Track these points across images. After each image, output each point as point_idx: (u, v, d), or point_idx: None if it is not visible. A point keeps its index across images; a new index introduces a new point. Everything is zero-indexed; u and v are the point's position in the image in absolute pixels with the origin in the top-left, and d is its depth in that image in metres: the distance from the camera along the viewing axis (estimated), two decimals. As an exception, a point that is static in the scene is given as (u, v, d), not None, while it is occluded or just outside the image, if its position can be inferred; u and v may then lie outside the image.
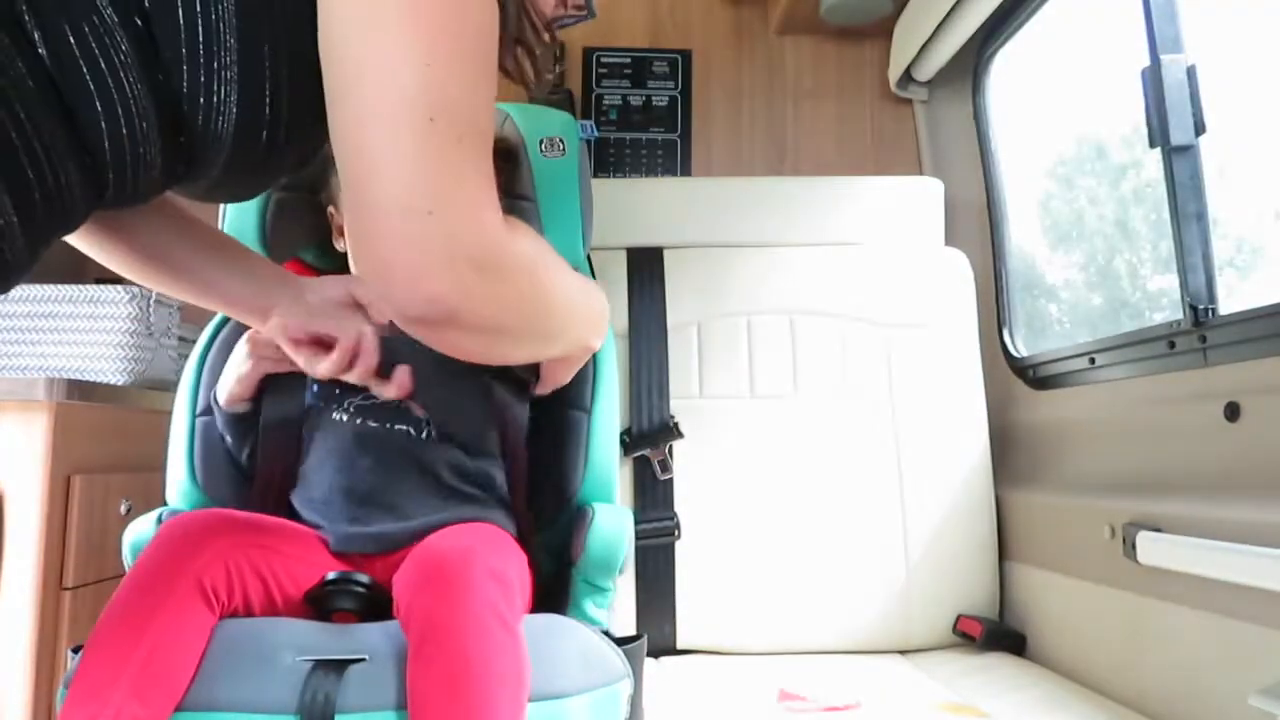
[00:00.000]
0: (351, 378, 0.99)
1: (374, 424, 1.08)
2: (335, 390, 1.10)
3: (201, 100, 0.63)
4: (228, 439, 1.14)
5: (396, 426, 1.08)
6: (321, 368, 0.98)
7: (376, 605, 0.93)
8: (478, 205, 0.65)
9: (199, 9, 0.61)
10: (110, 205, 0.68)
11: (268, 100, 0.65)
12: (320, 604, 0.94)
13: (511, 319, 0.73)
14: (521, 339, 0.78)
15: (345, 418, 1.09)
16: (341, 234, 1.17)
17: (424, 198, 0.61)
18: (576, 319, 0.89)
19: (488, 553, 0.90)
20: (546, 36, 0.81)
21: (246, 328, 1.25)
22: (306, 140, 0.72)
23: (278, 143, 0.68)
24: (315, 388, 1.12)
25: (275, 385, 1.11)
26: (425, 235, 0.62)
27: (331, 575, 0.95)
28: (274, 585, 0.92)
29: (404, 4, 0.62)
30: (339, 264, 1.19)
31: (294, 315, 1.00)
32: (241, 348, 1.10)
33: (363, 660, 0.83)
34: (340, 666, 0.83)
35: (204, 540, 0.89)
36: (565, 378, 1.15)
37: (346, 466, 1.06)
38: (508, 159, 1.24)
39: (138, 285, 1.69)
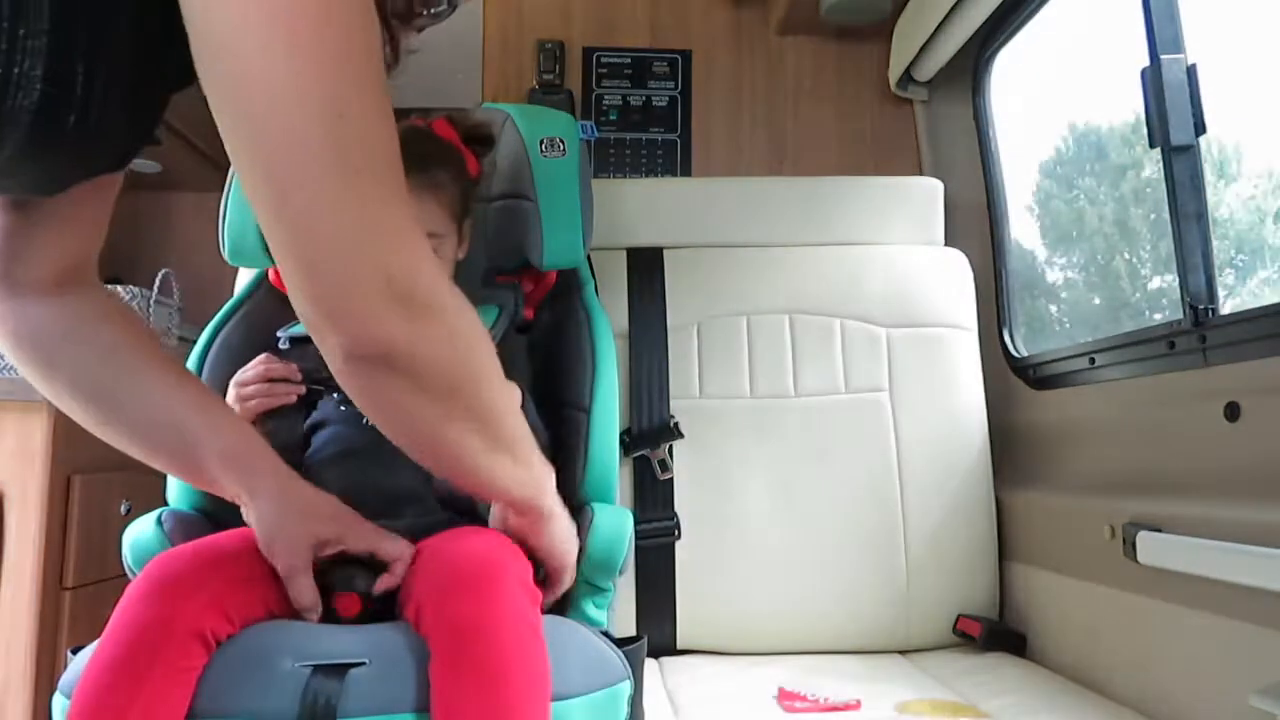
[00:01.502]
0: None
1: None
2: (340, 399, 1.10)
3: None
4: None
5: None
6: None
7: (380, 584, 0.91)
8: (421, 253, 0.67)
9: None
10: None
11: (79, 81, 0.60)
12: (325, 581, 0.91)
13: (443, 369, 0.72)
14: (454, 405, 0.75)
15: (355, 426, 1.09)
16: None
17: (368, 248, 0.63)
18: (525, 452, 0.86)
19: (513, 560, 0.90)
20: (419, 9, 0.78)
21: (246, 328, 1.26)
22: (123, 136, 0.69)
23: (87, 131, 0.63)
24: (336, 395, 1.11)
25: (272, 414, 1.11)
26: (373, 281, 0.64)
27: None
28: (278, 609, 0.89)
29: (307, 41, 0.60)
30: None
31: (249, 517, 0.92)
32: (230, 392, 1.11)
33: (363, 664, 0.83)
34: (340, 670, 0.82)
35: (194, 586, 0.83)
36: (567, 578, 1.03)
37: (356, 470, 1.06)
38: (484, 143, 1.25)
39: (137, 285, 1.70)
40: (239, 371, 1.13)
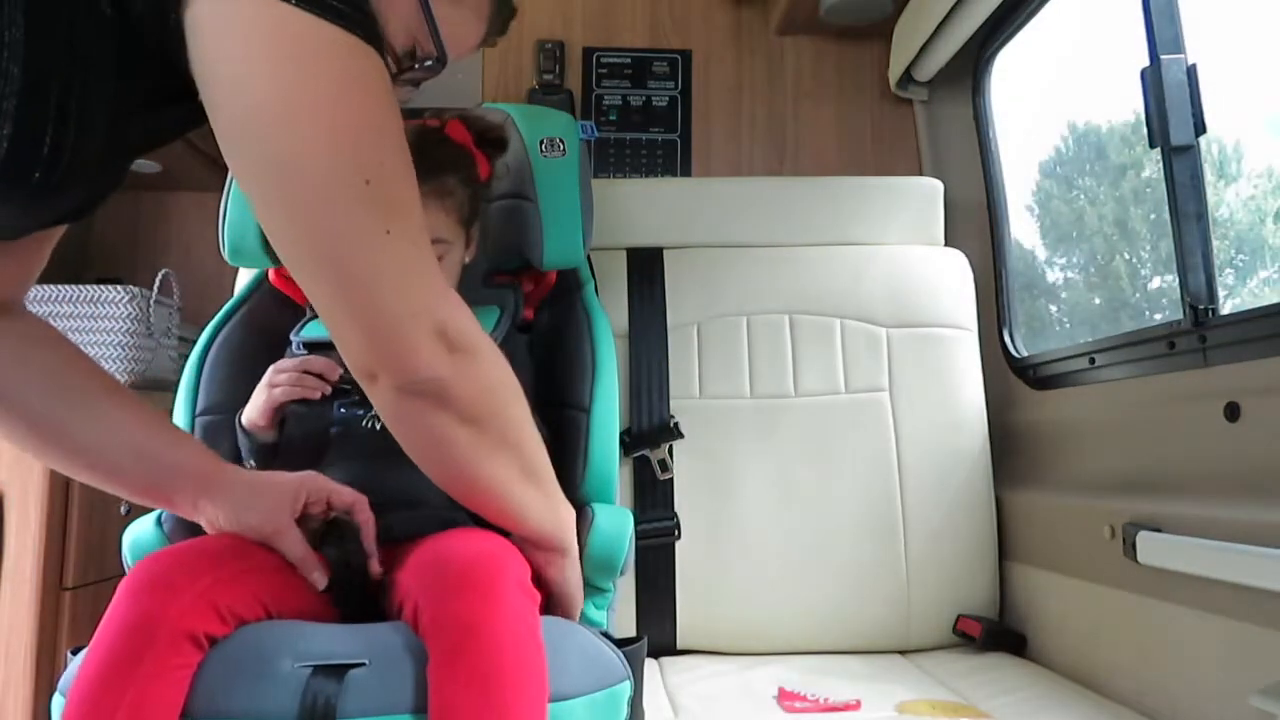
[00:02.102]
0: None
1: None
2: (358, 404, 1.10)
3: None
4: (251, 463, 1.13)
5: None
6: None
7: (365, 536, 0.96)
8: (450, 298, 0.76)
9: None
10: None
11: (48, 141, 0.62)
12: (328, 540, 0.94)
13: (484, 403, 0.80)
14: (500, 444, 0.84)
15: (369, 427, 1.09)
16: None
17: (411, 302, 0.71)
18: (551, 490, 0.94)
19: (511, 560, 0.90)
20: (392, 70, 0.79)
21: (246, 328, 1.26)
22: (88, 187, 0.70)
23: (50, 185, 0.64)
24: (340, 408, 1.11)
25: (299, 406, 1.11)
26: (422, 330, 0.72)
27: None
28: (273, 605, 0.89)
29: (329, 114, 0.65)
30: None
31: (222, 520, 0.93)
32: (265, 377, 1.11)
33: (362, 665, 0.83)
34: (340, 671, 0.82)
35: (182, 584, 0.82)
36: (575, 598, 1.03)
37: (367, 471, 1.05)
38: (497, 146, 1.24)
39: (137, 285, 1.70)
40: (280, 360, 1.13)
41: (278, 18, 0.61)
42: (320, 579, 0.94)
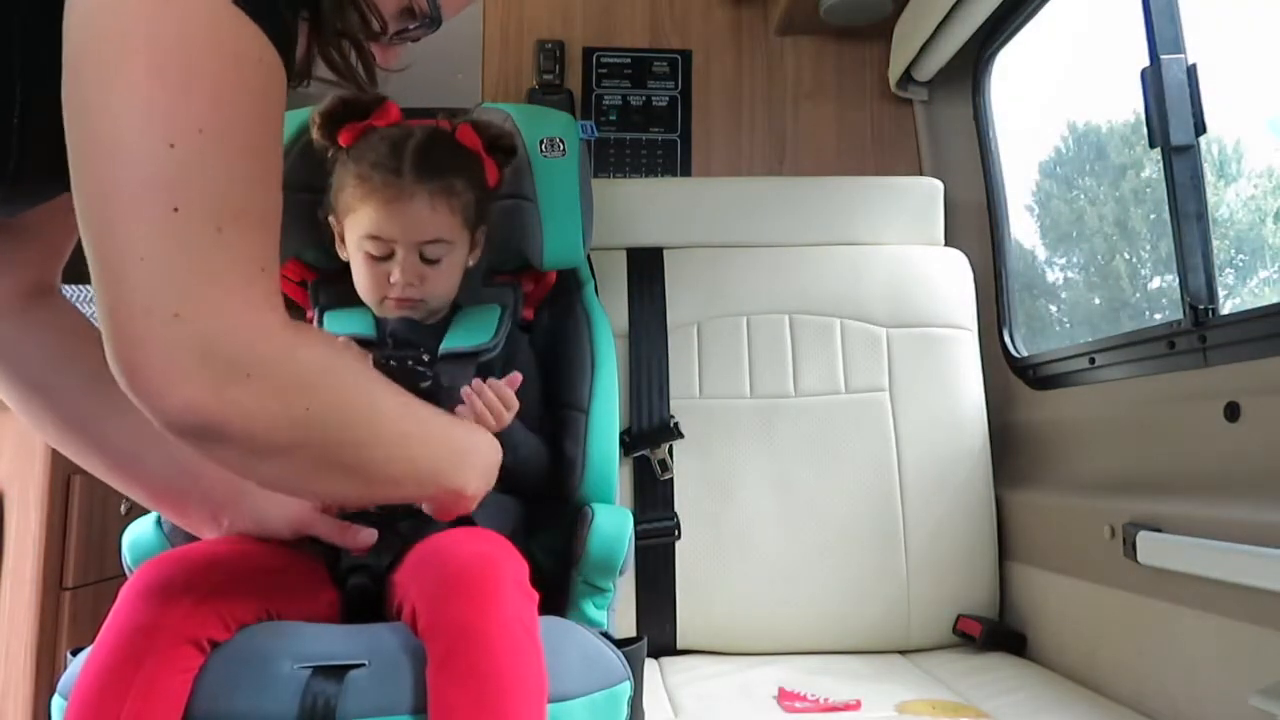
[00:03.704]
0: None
1: None
2: None
3: None
4: None
5: None
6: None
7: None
8: (240, 305, 0.59)
9: None
10: None
11: (14, 130, 0.60)
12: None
13: (301, 438, 0.64)
14: (324, 468, 0.69)
15: None
16: (343, 240, 1.16)
17: (168, 299, 0.56)
18: (419, 452, 0.78)
19: (508, 560, 0.90)
20: (377, 28, 0.75)
21: None
22: (37, 192, 0.68)
23: (23, 172, 0.62)
24: None
25: None
26: (172, 340, 0.56)
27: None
28: (273, 608, 0.90)
29: (145, 63, 0.56)
30: (341, 265, 1.19)
31: (245, 526, 0.93)
32: None
33: (362, 665, 0.83)
34: (339, 672, 0.82)
35: (185, 589, 0.83)
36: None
37: None
38: (508, 153, 1.24)
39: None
40: None
41: None
42: (367, 536, 0.96)
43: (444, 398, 1.06)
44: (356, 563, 0.99)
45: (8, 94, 0.59)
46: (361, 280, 1.14)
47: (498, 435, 1.04)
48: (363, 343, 1.14)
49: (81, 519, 1.37)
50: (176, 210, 0.56)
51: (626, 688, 0.93)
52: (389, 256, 1.11)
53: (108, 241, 0.56)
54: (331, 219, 1.17)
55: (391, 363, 1.07)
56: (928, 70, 1.87)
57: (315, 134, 1.18)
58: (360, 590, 0.98)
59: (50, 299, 0.87)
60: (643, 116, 2.06)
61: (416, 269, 1.11)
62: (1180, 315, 1.25)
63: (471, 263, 1.19)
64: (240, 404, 0.59)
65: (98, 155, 0.56)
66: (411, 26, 0.79)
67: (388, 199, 1.09)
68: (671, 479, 1.56)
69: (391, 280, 1.10)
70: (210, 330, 0.57)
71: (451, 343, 1.14)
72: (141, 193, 0.56)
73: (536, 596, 0.91)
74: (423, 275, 1.11)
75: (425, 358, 1.11)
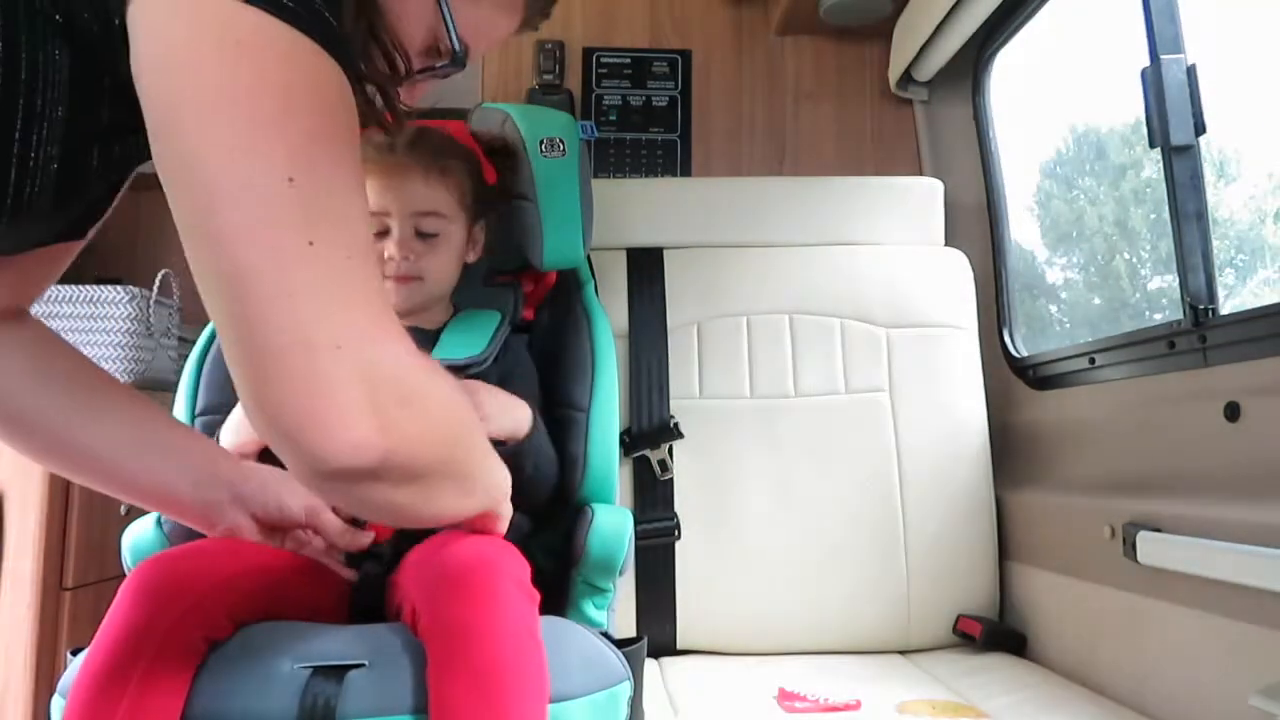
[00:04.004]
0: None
1: None
2: None
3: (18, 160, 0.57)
4: None
5: None
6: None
7: None
8: (384, 330, 0.59)
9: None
10: None
11: (13, 167, 0.59)
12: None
13: (437, 457, 0.65)
14: (445, 484, 0.70)
15: None
16: None
17: (328, 331, 0.55)
18: (494, 465, 0.81)
19: (509, 560, 0.90)
20: (403, 71, 0.75)
21: None
22: (57, 215, 0.68)
23: (17, 210, 0.61)
24: None
25: None
26: (339, 374, 0.55)
27: None
28: (272, 607, 0.89)
29: (243, 107, 0.56)
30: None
31: (240, 521, 0.92)
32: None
33: (362, 666, 0.83)
34: (339, 672, 0.82)
35: (184, 588, 0.83)
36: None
37: None
38: (508, 155, 1.24)
39: (137, 285, 1.70)
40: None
41: (220, 9, 0.56)
42: (365, 536, 0.97)
43: None
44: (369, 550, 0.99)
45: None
46: None
47: (522, 444, 1.06)
48: None
49: (81, 519, 1.37)
50: (312, 244, 0.55)
51: (626, 688, 0.93)
52: (385, 233, 1.11)
53: (247, 284, 0.55)
54: None
55: None
56: (928, 70, 1.87)
57: None
58: (370, 578, 0.98)
59: (22, 320, 0.87)
60: (643, 116, 2.06)
61: (412, 244, 1.11)
62: (1180, 315, 1.25)
63: (471, 258, 1.19)
64: (404, 432, 0.59)
65: (220, 203, 0.55)
66: (437, 66, 0.79)
67: (382, 171, 1.10)
68: (671, 479, 1.57)
69: (387, 256, 1.11)
70: (371, 358, 0.57)
71: (441, 353, 1.13)
72: (277, 231, 0.55)
73: (538, 597, 0.91)
74: (419, 251, 1.12)
75: None
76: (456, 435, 0.69)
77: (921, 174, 1.95)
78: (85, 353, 0.92)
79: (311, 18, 0.59)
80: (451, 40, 0.76)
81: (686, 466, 1.58)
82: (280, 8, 0.57)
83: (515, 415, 1.09)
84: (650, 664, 1.37)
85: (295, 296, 0.55)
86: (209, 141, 0.56)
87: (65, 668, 0.88)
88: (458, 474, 0.72)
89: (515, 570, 0.89)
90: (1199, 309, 1.22)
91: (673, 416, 1.59)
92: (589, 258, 1.34)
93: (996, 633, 1.50)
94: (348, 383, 0.55)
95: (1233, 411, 1.11)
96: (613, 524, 1.10)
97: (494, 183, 1.22)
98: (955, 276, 1.68)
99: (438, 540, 0.94)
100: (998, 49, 1.79)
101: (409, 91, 0.80)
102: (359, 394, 0.56)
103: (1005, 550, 1.58)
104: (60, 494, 1.34)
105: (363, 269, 0.59)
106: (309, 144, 0.57)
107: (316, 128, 0.58)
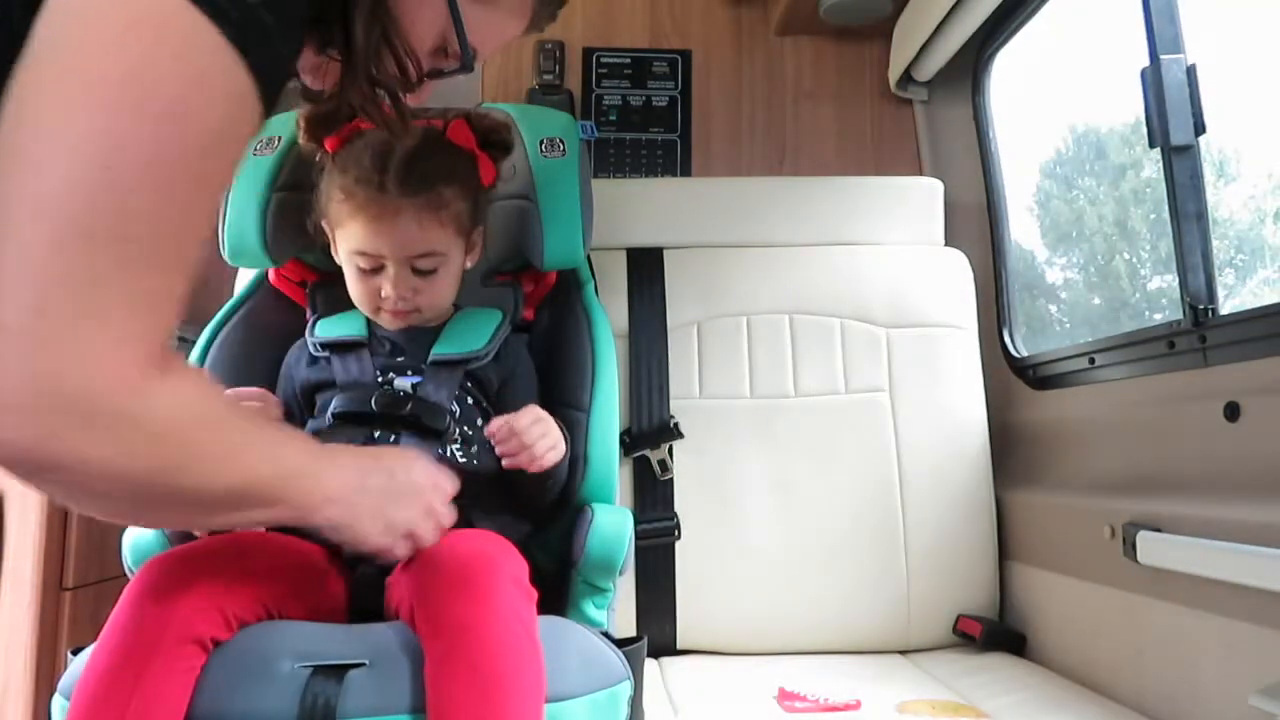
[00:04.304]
0: None
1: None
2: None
3: None
4: None
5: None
6: None
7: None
8: (109, 347, 0.54)
9: None
10: None
11: None
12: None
13: (151, 483, 0.61)
14: (162, 508, 0.66)
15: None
16: (336, 248, 1.15)
17: (36, 325, 0.51)
18: (277, 489, 0.72)
19: (507, 559, 0.90)
20: (414, 76, 0.74)
21: (246, 328, 1.25)
22: None
23: None
24: (330, 420, 1.09)
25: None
26: (11, 366, 0.51)
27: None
28: (275, 607, 0.90)
29: (104, 78, 0.53)
30: (340, 268, 1.18)
31: None
32: None
33: (362, 665, 0.83)
34: (339, 672, 0.82)
35: (189, 588, 0.83)
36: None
37: None
38: (503, 148, 1.22)
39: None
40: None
41: None
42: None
43: (426, 414, 1.06)
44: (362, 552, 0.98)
45: None
46: (355, 292, 1.12)
47: (553, 471, 1.05)
48: (353, 345, 1.14)
49: (81, 519, 1.37)
50: (90, 235, 0.52)
51: (626, 687, 0.93)
52: (379, 270, 1.09)
53: (4, 234, 0.52)
54: (324, 224, 1.14)
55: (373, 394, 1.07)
56: (927, 70, 1.87)
57: (301, 137, 1.14)
58: (367, 580, 0.98)
59: None
60: (642, 116, 2.06)
61: (409, 282, 1.08)
62: (1180, 315, 1.25)
63: (470, 264, 1.18)
64: (81, 453, 0.55)
65: (26, 156, 0.53)
66: (445, 69, 0.79)
67: (373, 216, 1.05)
68: (671, 479, 1.57)
69: (383, 295, 1.09)
70: (61, 367, 0.53)
71: (442, 349, 1.13)
72: (56, 206, 0.52)
73: (535, 595, 0.91)
74: (416, 288, 1.09)
75: (410, 383, 1.10)
76: (166, 469, 0.62)
77: (921, 174, 1.95)
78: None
79: (249, 31, 0.57)
80: (462, 46, 0.76)
81: (686, 466, 1.58)
82: (216, 11, 0.55)
83: (560, 448, 1.06)
84: (650, 664, 1.37)
85: (26, 276, 0.52)
86: (55, 98, 0.53)
87: (65, 668, 0.88)
88: (170, 501, 0.65)
89: (513, 569, 0.89)
90: (1199, 309, 1.22)
91: (673, 416, 1.59)
92: (589, 258, 1.34)
93: (996, 633, 1.50)
94: (19, 376, 0.52)
95: (1233, 411, 1.11)
96: (613, 524, 1.10)
97: (491, 181, 1.19)
98: (955, 276, 1.68)
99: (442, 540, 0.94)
100: (997, 49, 1.79)
101: (417, 92, 0.80)
102: (25, 392, 0.52)
103: (1005, 550, 1.58)
104: (60, 494, 1.34)
105: (130, 284, 0.55)
106: (154, 139, 0.54)
107: (173, 133, 0.55)
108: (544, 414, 1.06)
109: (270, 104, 0.62)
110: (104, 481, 0.58)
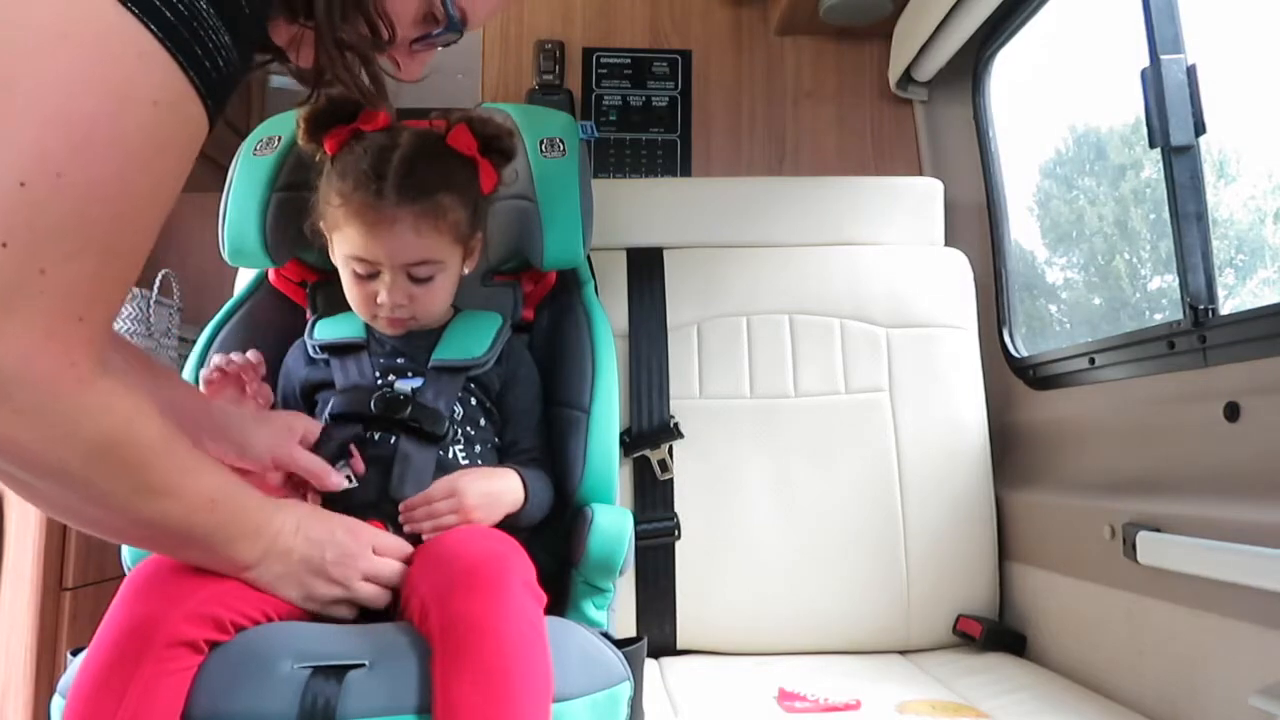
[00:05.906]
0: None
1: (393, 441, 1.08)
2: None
3: None
4: None
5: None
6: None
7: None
8: (45, 335, 0.57)
9: None
10: None
11: None
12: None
13: (64, 471, 0.64)
14: (86, 512, 0.70)
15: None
16: (334, 250, 1.14)
17: None
18: (200, 520, 0.77)
19: (517, 560, 0.90)
20: (386, 38, 0.72)
21: (246, 328, 1.25)
22: None
23: None
24: (328, 421, 1.09)
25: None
26: None
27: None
28: (273, 610, 0.89)
29: (25, 88, 0.54)
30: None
31: (226, 455, 0.93)
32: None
33: (362, 665, 0.83)
34: (339, 672, 0.82)
35: (183, 589, 0.82)
36: None
37: (384, 481, 1.05)
38: (505, 155, 1.20)
39: (137, 285, 1.70)
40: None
41: None
42: (340, 480, 0.98)
43: (426, 419, 1.06)
44: None
45: None
46: (351, 297, 1.11)
47: (520, 514, 1.06)
48: (351, 347, 1.13)
49: (81, 519, 1.37)
50: (4, 245, 0.54)
51: (626, 688, 0.93)
52: (375, 276, 1.07)
53: None
54: (322, 226, 1.12)
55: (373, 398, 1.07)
56: (927, 70, 1.87)
57: (300, 138, 1.12)
58: None
59: None
60: (642, 116, 2.06)
61: (405, 289, 1.07)
62: (1180, 315, 1.25)
63: (468, 270, 1.17)
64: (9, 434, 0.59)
65: None
66: (434, 33, 0.77)
67: (370, 222, 1.04)
68: (671, 479, 1.57)
69: (379, 301, 1.07)
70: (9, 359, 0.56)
71: (442, 354, 1.13)
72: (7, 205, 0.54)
73: (545, 598, 0.91)
74: (412, 295, 1.08)
75: (409, 387, 1.10)
76: (88, 476, 0.66)
77: (921, 174, 1.95)
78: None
79: (180, 31, 0.57)
80: (446, 4, 0.75)
81: (686, 466, 1.58)
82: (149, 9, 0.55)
83: (504, 501, 1.05)
84: (650, 664, 1.37)
85: None
86: None
87: (65, 668, 0.88)
88: (94, 507, 0.70)
89: (523, 570, 0.89)
90: (1199, 309, 1.22)
91: (673, 416, 1.59)
92: (589, 258, 1.34)
93: (996, 633, 1.49)
94: None
95: (1233, 411, 1.11)
96: (613, 524, 1.10)
97: (492, 188, 1.16)
98: (955, 276, 1.68)
99: (446, 537, 0.95)
100: (997, 49, 1.79)
101: (409, 63, 0.78)
102: None
103: (1005, 550, 1.58)
104: (60, 494, 1.34)
105: (56, 286, 0.57)
106: (74, 153, 0.55)
107: (95, 138, 0.56)
108: (496, 474, 1.07)
109: (219, 100, 0.62)
110: (33, 469, 0.62)
